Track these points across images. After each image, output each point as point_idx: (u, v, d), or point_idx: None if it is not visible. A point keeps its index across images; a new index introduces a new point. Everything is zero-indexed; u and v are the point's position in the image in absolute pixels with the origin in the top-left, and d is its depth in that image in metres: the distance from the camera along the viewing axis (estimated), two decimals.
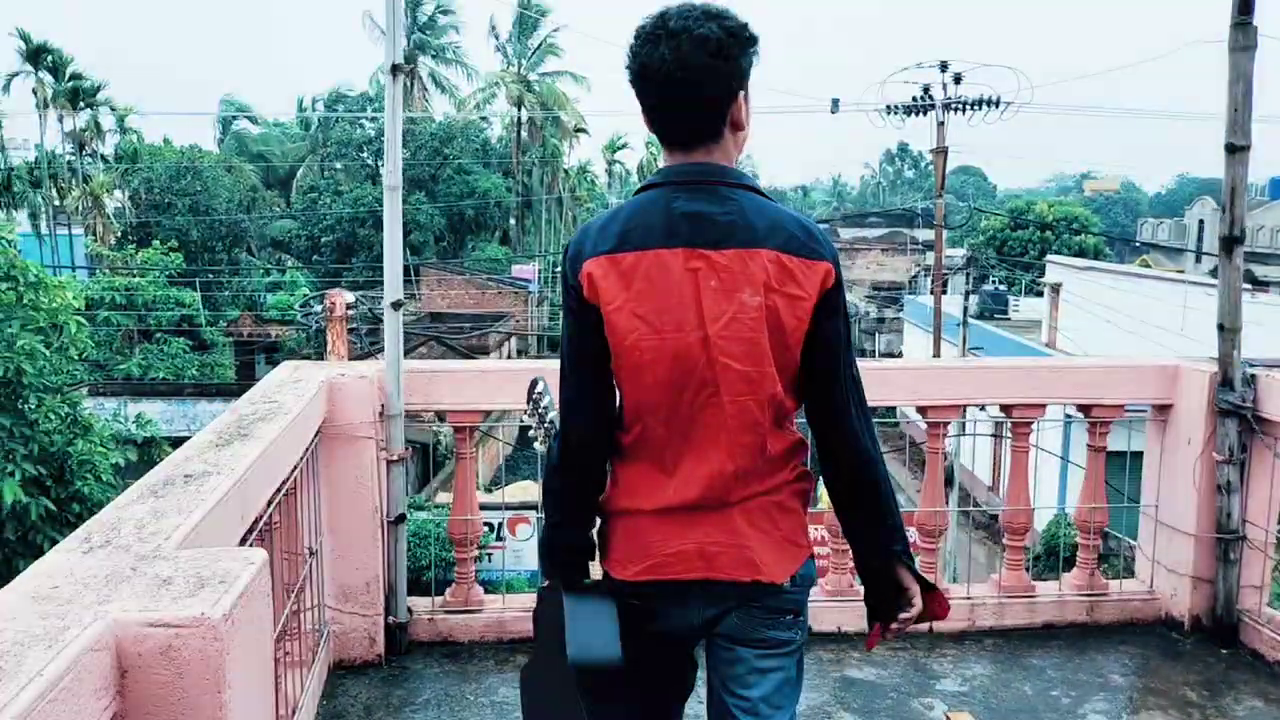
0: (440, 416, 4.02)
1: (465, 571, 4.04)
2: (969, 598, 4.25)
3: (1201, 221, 56.98)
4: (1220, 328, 4.03)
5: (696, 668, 2.12)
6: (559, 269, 2.12)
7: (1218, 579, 4.07)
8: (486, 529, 22.15)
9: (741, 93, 1.90)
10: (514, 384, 3.91)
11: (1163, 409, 4.25)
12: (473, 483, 4.03)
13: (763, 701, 1.97)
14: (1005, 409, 4.19)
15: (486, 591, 4.13)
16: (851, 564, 4.26)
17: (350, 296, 3.99)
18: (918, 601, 2.03)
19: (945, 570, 4.02)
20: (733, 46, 1.84)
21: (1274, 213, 50.11)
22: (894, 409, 4.65)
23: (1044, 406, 4.19)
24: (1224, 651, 4.04)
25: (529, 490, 20.25)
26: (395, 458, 3.74)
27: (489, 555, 22.43)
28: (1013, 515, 4.24)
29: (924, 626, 4.19)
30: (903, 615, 2.03)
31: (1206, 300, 24.37)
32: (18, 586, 1.69)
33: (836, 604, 4.17)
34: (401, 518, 3.82)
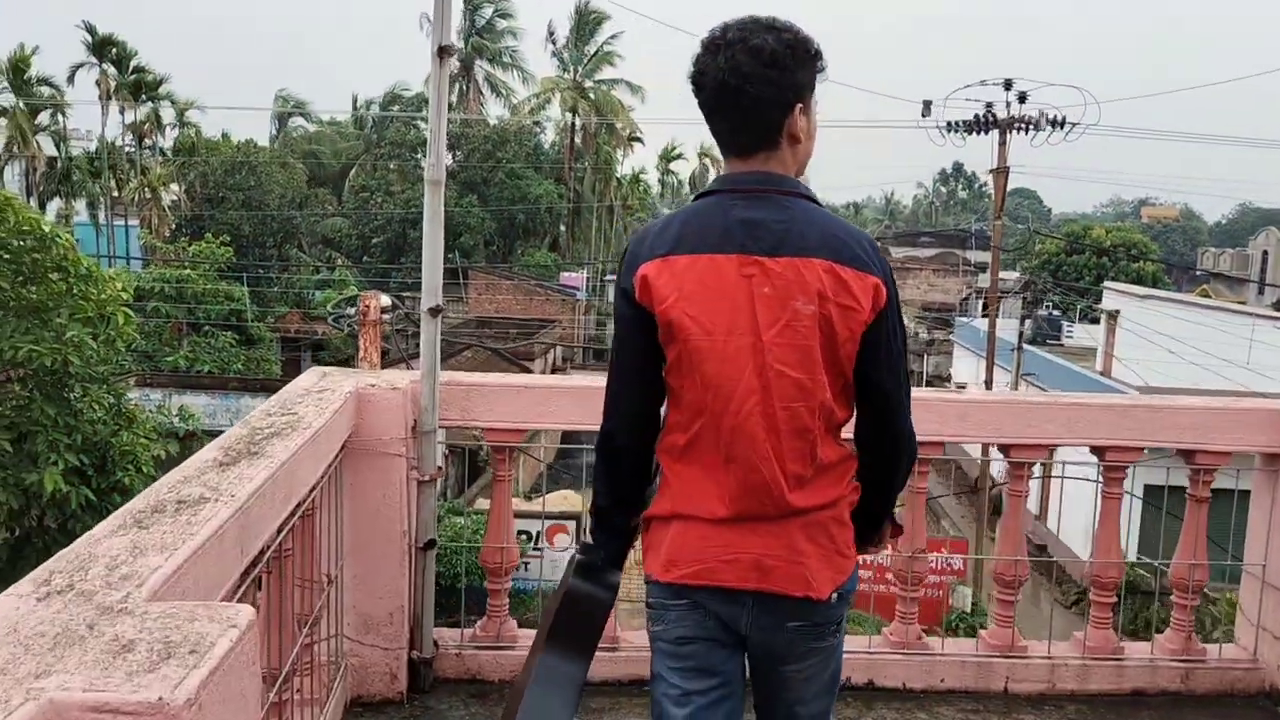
0: (477, 435, 3.71)
1: (498, 604, 3.70)
2: (1049, 657, 3.85)
3: (1266, 253, 55.57)
4: None
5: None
6: (614, 274, 2.05)
7: None
8: (524, 537, 21.95)
9: (799, 105, 1.94)
10: (558, 400, 3.59)
11: (1274, 458, 3.82)
12: (509, 507, 3.70)
13: (808, 694, 2.09)
14: (1097, 451, 3.79)
15: (520, 623, 3.80)
16: (917, 613, 3.93)
17: (386, 299, 3.71)
18: (886, 543, 2.29)
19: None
20: (787, 58, 1.89)
21: None
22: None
23: (1141, 450, 3.78)
24: None
25: (569, 500, 19.97)
26: (427, 478, 3.42)
27: (525, 564, 22.22)
28: (1102, 568, 3.83)
29: (999, 686, 3.80)
30: (870, 550, 2.24)
31: (1275, 334, 23.60)
32: None
33: (902, 657, 3.79)
34: (431, 543, 3.50)
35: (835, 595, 1.99)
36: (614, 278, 48.25)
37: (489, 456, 3.68)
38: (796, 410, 1.89)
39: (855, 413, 2.04)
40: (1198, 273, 56.04)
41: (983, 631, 3.93)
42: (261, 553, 2.33)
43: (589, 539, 2.16)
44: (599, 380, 3.71)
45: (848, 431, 2.06)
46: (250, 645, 1.51)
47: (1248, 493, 3.97)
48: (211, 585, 1.87)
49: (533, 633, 3.76)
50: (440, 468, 3.48)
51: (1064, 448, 3.84)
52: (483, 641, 3.70)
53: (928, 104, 23.19)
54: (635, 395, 2.03)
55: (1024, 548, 3.82)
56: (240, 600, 2.21)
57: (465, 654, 3.67)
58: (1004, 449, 3.77)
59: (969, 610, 17.81)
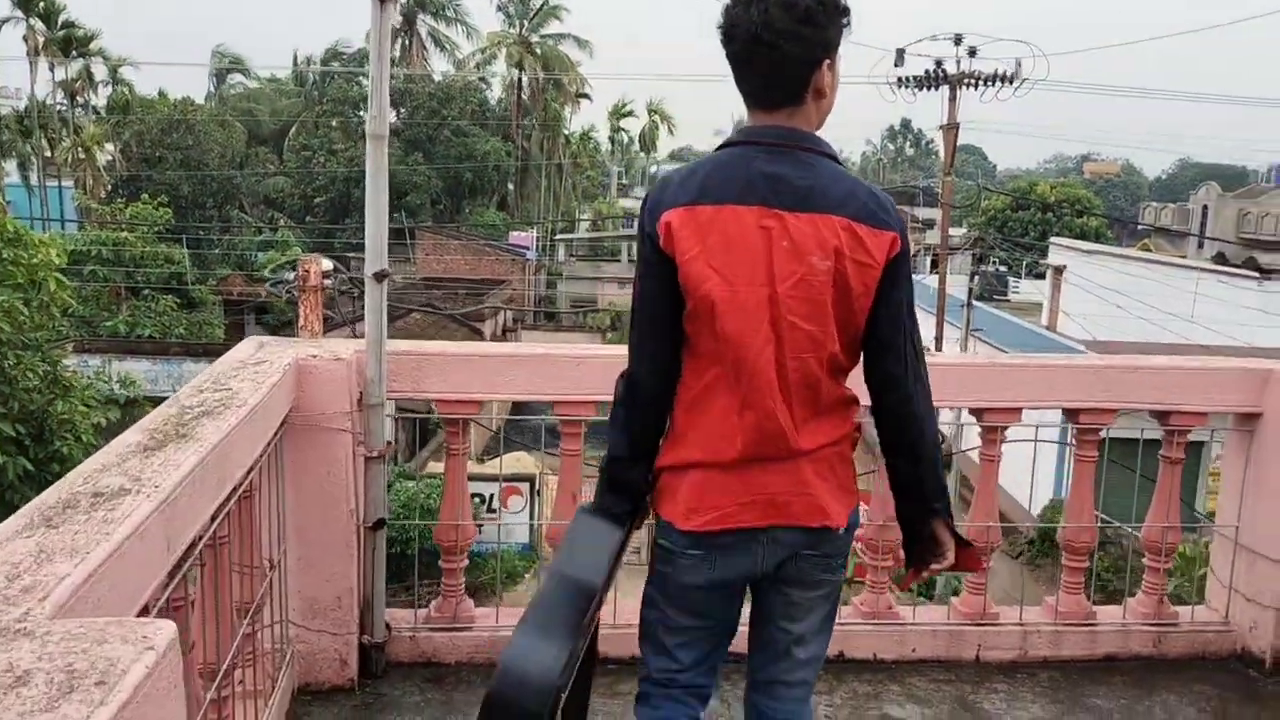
0: (429, 406, 3.50)
1: (454, 584, 3.51)
2: (1021, 624, 3.76)
3: (1206, 207, 56.37)
4: None
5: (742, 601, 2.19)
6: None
7: None
8: (478, 500, 21.74)
9: (827, 61, 1.94)
10: (514, 370, 3.39)
11: (1248, 418, 3.74)
12: (464, 481, 3.51)
13: (808, 632, 2.14)
14: (1069, 414, 3.68)
15: (476, 602, 3.61)
16: (889, 582, 3.82)
17: (328, 263, 3.47)
18: (950, 555, 2.16)
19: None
20: (820, 13, 1.89)
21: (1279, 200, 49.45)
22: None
23: (1114, 412, 3.68)
24: None
25: (523, 461, 19.76)
26: (374, 454, 3.22)
27: (480, 527, 22.05)
28: (1075, 533, 3.74)
29: (971, 655, 3.71)
30: (935, 565, 2.18)
31: (1218, 287, 23.94)
32: None
33: (873, 628, 3.68)
34: (381, 523, 3.30)
35: (845, 527, 2.06)
36: (563, 237, 47.92)
37: (440, 424, 3.49)
38: (806, 361, 1.94)
39: (862, 366, 2.07)
40: (1140, 227, 56.79)
41: (954, 599, 3.83)
42: (193, 545, 2.12)
43: (597, 502, 2.10)
44: (555, 349, 3.53)
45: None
46: (172, 667, 1.32)
47: (1199, 445, 3.89)
48: (132, 591, 1.67)
49: (492, 610, 3.61)
50: (390, 442, 3.28)
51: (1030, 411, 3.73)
52: (438, 623, 3.52)
53: (900, 52, 22.90)
54: (662, 339, 2.01)
55: (996, 513, 3.71)
56: (170, 600, 2.01)
57: (420, 636, 3.49)
58: (977, 413, 3.65)
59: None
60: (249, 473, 2.66)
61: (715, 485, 1.99)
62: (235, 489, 2.51)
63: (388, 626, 3.44)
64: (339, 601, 3.26)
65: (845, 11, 1.96)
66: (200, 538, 2.20)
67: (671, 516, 2.04)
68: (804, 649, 2.16)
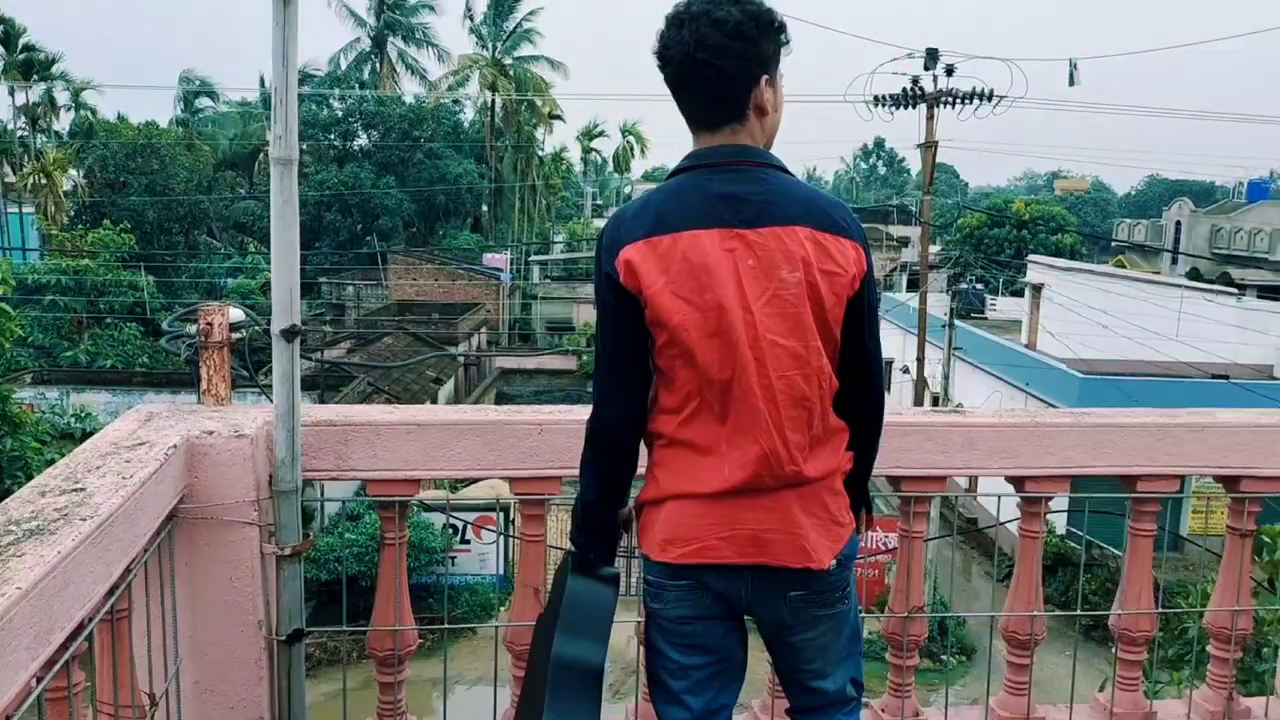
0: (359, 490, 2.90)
1: (390, 701, 2.88)
2: None
3: (1179, 223, 56.44)
4: None
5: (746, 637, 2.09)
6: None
7: None
8: (451, 531, 21.02)
9: (765, 77, 1.93)
10: (463, 441, 2.78)
11: None
12: (403, 576, 2.89)
13: (828, 666, 2.07)
14: (1125, 480, 3.11)
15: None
16: (912, 684, 3.23)
17: (238, 313, 2.94)
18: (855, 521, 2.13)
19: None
20: (751, 29, 1.89)
21: (1252, 216, 49.51)
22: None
23: (1180, 478, 3.12)
24: None
25: (496, 488, 19.08)
26: (288, 551, 2.60)
27: (453, 559, 21.30)
28: (1132, 620, 3.16)
29: None
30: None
31: (1204, 305, 23.62)
32: None
33: None
34: (298, 634, 2.68)
35: (835, 563, 1.99)
36: (538, 258, 47.31)
37: (372, 509, 2.88)
38: (792, 379, 1.89)
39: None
40: (1114, 243, 56.87)
41: (992, 702, 3.24)
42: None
43: (574, 547, 2.08)
44: (512, 415, 2.93)
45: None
46: None
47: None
48: None
49: None
50: (309, 536, 2.66)
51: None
52: None
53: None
54: (628, 381, 1.98)
55: (1040, 600, 3.13)
56: None
57: None
58: (1016, 481, 3.07)
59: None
60: (112, 594, 2.06)
61: (693, 516, 1.94)
62: (91, 616, 1.91)
63: None
64: None
65: (781, 28, 1.95)
66: (27, 694, 1.59)
67: (649, 549, 2.00)
68: (832, 680, 2.09)
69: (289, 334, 2.48)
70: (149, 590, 2.39)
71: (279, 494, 2.58)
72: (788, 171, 1.98)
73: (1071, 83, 21.66)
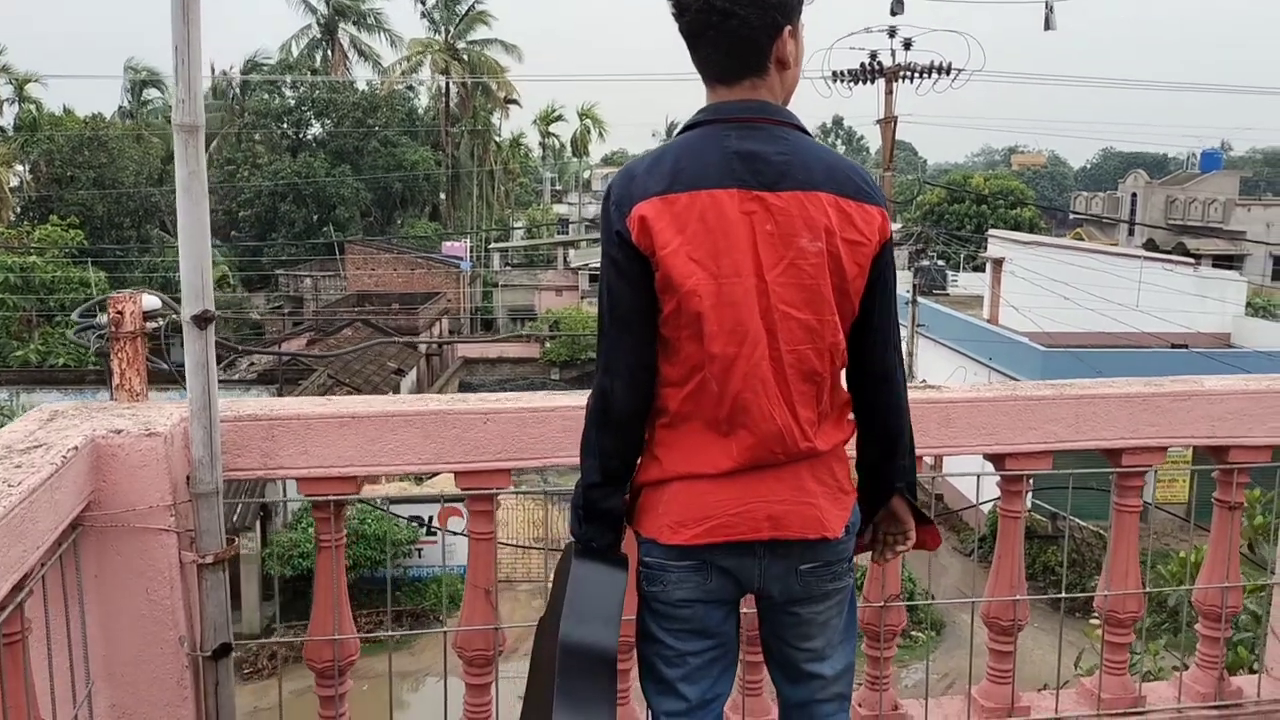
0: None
1: (332, 715, 2.65)
2: (1057, 715, 3.03)
3: (1135, 195, 56.94)
4: None
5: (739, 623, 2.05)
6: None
7: None
8: (416, 523, 20.71)
9: (788, 28, 1.84)
10: (402, 434, 2.56)
11: None
12: (341, 582, 2.67)
13: (827, 646, 1.99)
14: (1109, 454, 2.95)
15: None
16: (891, 675, 3.06)
17: (153, 300, 2.71)
18: (913, 535, 2.07)
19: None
20: None
21: (1205, 186, 50.00)
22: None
23: (1165, 450, 2.96)
24: None
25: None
26: (210, 559, 2.37)
27: (419, 551, 21.00)
28: (1118, 601, 3.00)
29: None
30: (899, 548, 2.10)
31: (1164, 275, 23.75)
32: None
33: None
34: (225, 649, 2.45)
35: (844, 531, 1.93)
36: (498, 245, 46.84)
37: (306, 510, 2.65)
38: (804, 353, 1.81)
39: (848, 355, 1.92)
40: (1072, 216, 57.26)
41: (974, 690, 3.08)
42: None
43: (576, 541, 1.92)
44: (454, 404, 2.72)
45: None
46: None
47: None
48: None
49: None
50: (233, 540, 2.43)
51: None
52: None
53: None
54: (637, 348, 1.84)
55: (1024, 584, 2.96)
56: None
57: None
58: (995, 459, 2.90)
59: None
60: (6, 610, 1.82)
61: (704, 495, 1.84)
62: None
63: None
64: None
65: None
66: None
67: (654, 533, 1.88)
68: (830, 664, 2.00)
69: (201, 320, 2.25)
70: (51, 609, 2.16)
71: (198, 496, 2.34)
72: (807, 132, 1.87)
73: (1048, 26, 21.56)
